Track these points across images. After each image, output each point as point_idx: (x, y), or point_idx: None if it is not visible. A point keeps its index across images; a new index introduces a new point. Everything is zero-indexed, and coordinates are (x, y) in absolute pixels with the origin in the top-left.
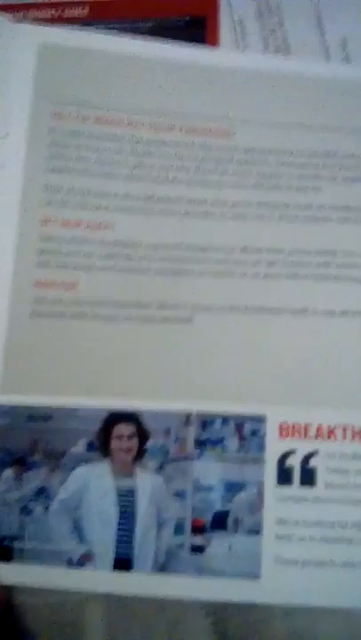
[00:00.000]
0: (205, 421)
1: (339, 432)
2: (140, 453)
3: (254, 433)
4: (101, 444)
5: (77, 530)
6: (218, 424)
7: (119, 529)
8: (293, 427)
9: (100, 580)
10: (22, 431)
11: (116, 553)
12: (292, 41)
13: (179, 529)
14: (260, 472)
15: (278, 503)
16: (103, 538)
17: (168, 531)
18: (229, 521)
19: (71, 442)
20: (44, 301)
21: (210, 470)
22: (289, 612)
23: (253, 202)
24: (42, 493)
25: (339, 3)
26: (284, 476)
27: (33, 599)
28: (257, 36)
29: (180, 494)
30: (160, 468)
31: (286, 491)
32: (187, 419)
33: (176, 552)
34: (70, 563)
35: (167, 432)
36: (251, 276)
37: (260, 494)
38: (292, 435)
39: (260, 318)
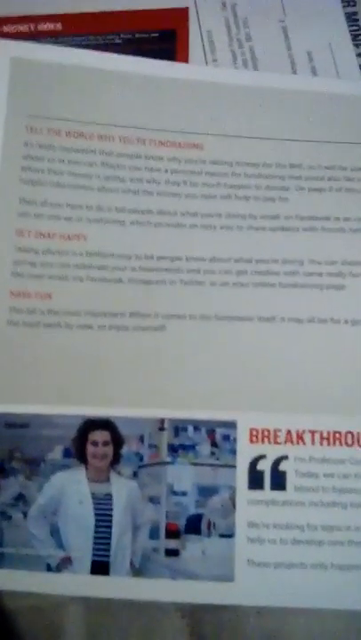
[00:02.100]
0: (178, 428)
1: (308, 437)
2: (116, 459)
3: (226, 438)
4: (77, 451)
5: (55, 535)
6: (190, 430)
7: (96, 534)
8: (263, 432)
9: (79, 583)
10: (0, 439)
11: (94, 557)
12: (260, 54)
13: (154, 533)
14: (231, 477)
15: (250, 507)
16: (81, 543)
17: (143, 535)
18: (203, 525)
19: (48, 449)
20: (19, 311)
21: (183, 475)
22: (261, 612)
23: (222, 213)
24: (20, 499)
25: (304, 17)
26: (255, 481)
27: (13, 603)
28: (225, 50)
29: (154, 499)
30: (135, 474)
31: (258, 494)
32: (160, 425)
33: (151, 556)
34: (49, 567)
35: (141, 438)
36: (220, 284)
37: (233, 498)
38: (263, 440)
39: (230, 326)
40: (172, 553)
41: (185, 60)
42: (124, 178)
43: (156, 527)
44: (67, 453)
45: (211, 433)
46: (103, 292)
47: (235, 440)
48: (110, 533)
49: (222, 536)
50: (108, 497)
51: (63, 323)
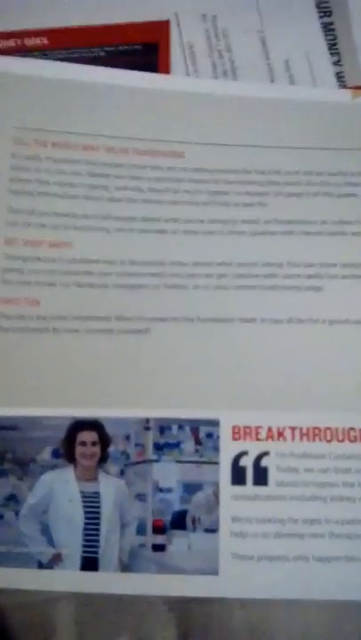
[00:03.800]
0: (163, 427)
1: (288, 433)
2: (103, 459)
3: (209, 436)
4: (66, 451)
5: (46, 533)
6: (175, 429)
7: (85, 531)
8: (245, 429)
9: (69, 580)
10: None
11: (83, 554)
12: (239, 64)
13: (141, 529)
14: (215, 473)
15: (233, 502)
16: (71, 540)
17: (131, 531)
18: (188, 520)
19: (37, 450)
20: (8, 317)
21: (168, 473)
22: (246, 604)
23: (204, 218)
24: (12, 499)
25: (282, 27)
26: (237, 476)
27: (6, 600)
28: (206, 60)
29: (141, 496)
30: (122, 472)
31: (240, 490)
32: (146, 425)
33: (139, 551)
34: (40, 564)
35: (127, 438)
36: (202, 288)
37: (216, 494)
38: (245, 437)
39: (212, 327)
40: (158, 548)
41: (167, 70)
42: (109, 186)
43: (143, 523)
44: (56, 454)
45: (194, 431)
46: (89, 298)
47: (218, 437)
48: (99, 530)
49: (207, 531)
50: (97, 495)
51: (51, 328)
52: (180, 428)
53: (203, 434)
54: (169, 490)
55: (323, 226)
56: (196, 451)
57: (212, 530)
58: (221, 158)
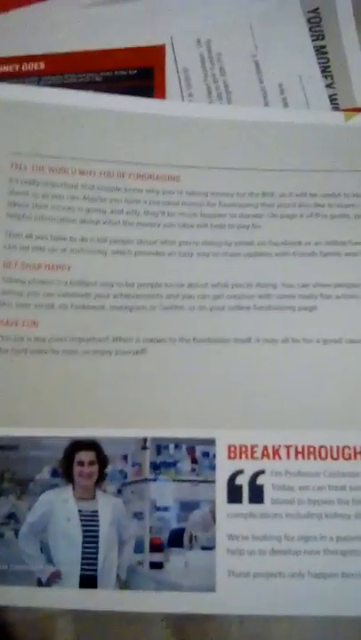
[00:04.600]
0: (160, 446)
1: (283, 451)
2: (101, 478)
3: (205, 455)
4: (64, 471)
5: (45, 551)
6: (171, 448)
7: (84, 549)
8: (241, 448)
9: (68, 597)
10: None
11: (82, 572)
12: (233, 88)
13: (138, 547)
14: (211, 491)
15: (229, 520)
16: (69, 558)
17: (129, 549)
18: (185, 538)
19: (37, 469)
20: (7, 339)
21: (165, 491)
22: (243, 620)
23: (199, 240)
24: (11, 518)
25: (275, 51)
26: (233, 495)
27: (6, 617)
28: (201, 84)
29: (138, 515)
30: (119, 491)
31: (236, 508)
32: (143, 444)
33: (137, 569)
34: (40, 582)
35: (125, 457)
36: (198, 309)
37: (213, 512)
38: (240, 456)
39: (208, 348)
40: (156, 566)
41: (162, 95)
42: (105, 210)
43: (141, 541)
44: (54, 473)
45: (191, 450)
46: (87, 319)
47: (214, 456)
48: (97, 548)
49: (204, 548)
50: (95, 514)
51: (49, 349)
52: (177, 447)
53: (199, 453)
54: (166, 508)
55: (316, 247)
56: (193, 470)
57: (209, 547)
58: (216, 181)
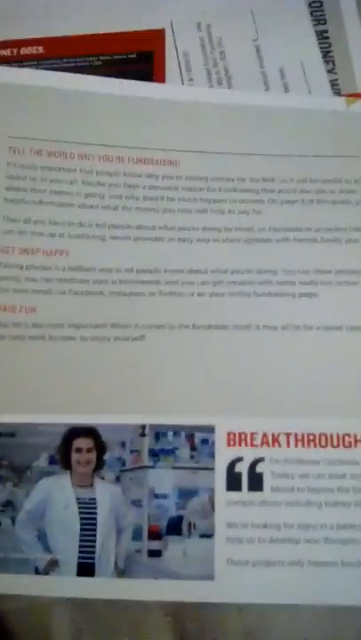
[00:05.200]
0: (159, 433)
1: (283, 439)
2: (99, 465)
3: (204, 442)
4: (62, 458)
5: (43, 539)
6: (170, 435)
7: (81, 537)
8: (240, 435)
9: (66, 585)
10: None
11: (80, 559)
12: (234, 72)
13: (137, 535)
14: (210, 479)
15: (228, 508)
16: (67, 546)
17: (127, 537)
18: (184, 526)
19: (34, 456)
20: (4, 325)
21: (164, 479)
22: (242, 609)
23: (199, 226)
24: (8, 506)
25: (276, 35)
26: (233, 482)
27: (2, 605)
28: (201, 69)
29: (136, 502)
30: (117, 479)
31: (236, 496)
32: (141, 431)
33: (135, 557)
34: (37, 570)
35: (123, 444)
36: (198, 295)
37: (212, 500)
38: (240, 443)
39: (208, 334)
40: (154, 554)
41: (162, 79)
42: (104, 195)
43: (139, 529)
44: (52, 460)
45: (190, 437)
46: (85, 305)
47: (213, 444)
48: (95, 536)
49: (202, 536)
50: (93, 501)
51: (47, 335)
52: (176, 434)
53: (198, 440)
54: (164, 496)
55: (317, 233)
56: (192, 457)
57: (208, 535)
58: (216, 166)
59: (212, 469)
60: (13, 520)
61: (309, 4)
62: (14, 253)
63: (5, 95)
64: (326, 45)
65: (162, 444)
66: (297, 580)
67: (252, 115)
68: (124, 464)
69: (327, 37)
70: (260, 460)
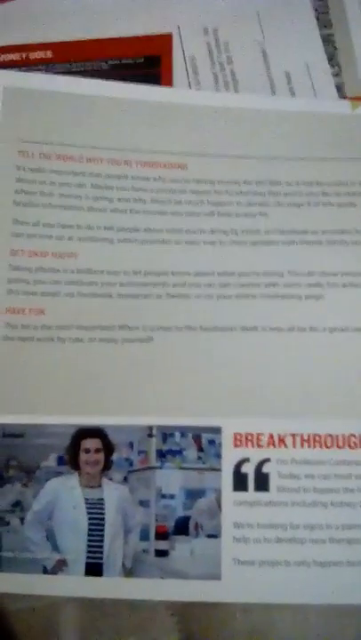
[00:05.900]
0: (166, 434)
1: (289, 440)
2: (107, 466)
3: (211, 443)
4: (70, 458)
5: (51, 539)
6: (177, 436)
7: (89, 537)
8: (247, 436)
9: (74, 585)
10: None
11: (88, 559)
12: (241, 76)
13: (144, 535)
14: (217, 479)
15: (235, 508)
16: (75, 546)
17: (134, 537)
18: (190, 526)
19: (43, 457)
20: (14, 327)
21: (171, 479)
22: (248, 609)
23: (206, 229)
24: (17, 506)
25: (282, 39)
26: (239, 483)
27: (12, 605)
28: (208, 73)
29: (144, 503)
30: (125, 479)
31: (242, 496)
32: (149, 432)
33: (142, 557)
34: (45, 570)
35: (131, 445)
36: (205, 297)
37: (218, 500)
38: (246, 444)
39: (214, 336)
40: (161, 554)
41: (169, 83)
42: (112, 198)
43: (146, 529)
44: (60, 461)
45: (197, 438)
46: (93, 307)
47: (220, 445)
48: (103, 536)
49: (209, 536)
50: (101, 501)
51: (56, 337)
52: (183, 435)
53: (205, 441)
54: (172, 496)
55: (323, 235)
56: (199, 458)
57: (215, 535)
58: (223, 169)
59: (219, 470)
60: (22, 520)
61: (315, 8)
62: (23, 256)
63: (15, 99)
64: (332, 49)
65: (169, 444)
66: (303, 580)
67: (259, 118)
68: (131, 465)
69: (333, 41)
70: (267, 460)
